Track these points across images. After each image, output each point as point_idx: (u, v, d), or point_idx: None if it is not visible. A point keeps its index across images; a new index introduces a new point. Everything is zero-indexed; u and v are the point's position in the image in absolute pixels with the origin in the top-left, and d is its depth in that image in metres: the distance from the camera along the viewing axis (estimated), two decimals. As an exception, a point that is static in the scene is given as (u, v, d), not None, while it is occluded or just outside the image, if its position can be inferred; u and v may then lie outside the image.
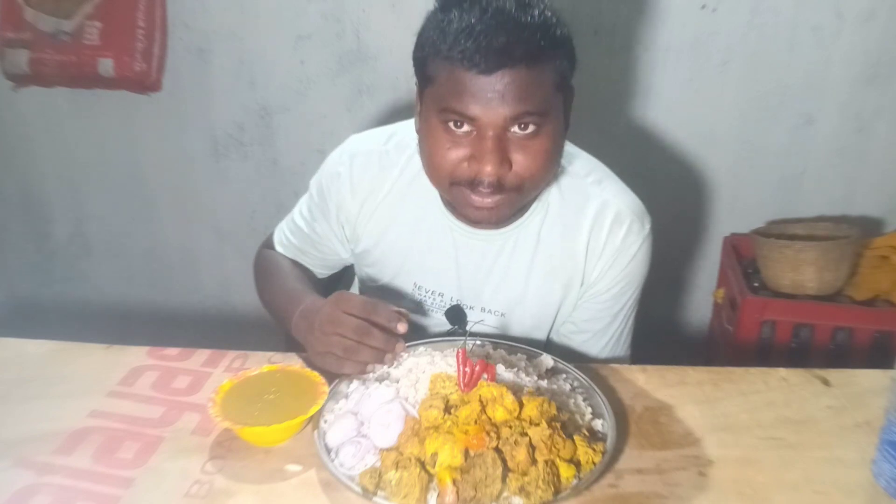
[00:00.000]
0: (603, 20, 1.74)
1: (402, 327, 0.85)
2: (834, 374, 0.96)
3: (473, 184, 0.88)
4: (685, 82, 1.81)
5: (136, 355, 0.97)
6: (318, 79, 1.90)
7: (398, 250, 1.06)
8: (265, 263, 1.16)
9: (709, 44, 1.77)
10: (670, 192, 1.90)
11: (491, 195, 0.88)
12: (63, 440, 0.80)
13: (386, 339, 0.84)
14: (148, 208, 2.14)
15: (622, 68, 1.79)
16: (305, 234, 1.13)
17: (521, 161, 0.86)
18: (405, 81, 1.86)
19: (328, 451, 0.75)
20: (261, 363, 0.92)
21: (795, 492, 0.75)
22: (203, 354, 0.97)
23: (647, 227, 1.03)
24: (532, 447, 0.72)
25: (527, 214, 1.01)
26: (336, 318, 0.85)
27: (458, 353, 0.80)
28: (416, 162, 1.00)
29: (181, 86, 1.95)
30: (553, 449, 0.72)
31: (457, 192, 0.91)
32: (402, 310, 0.87)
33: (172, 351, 0.98)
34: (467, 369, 0.79)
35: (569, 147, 1.02)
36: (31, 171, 2.14)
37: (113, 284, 2.27)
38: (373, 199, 1.04)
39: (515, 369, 0.85)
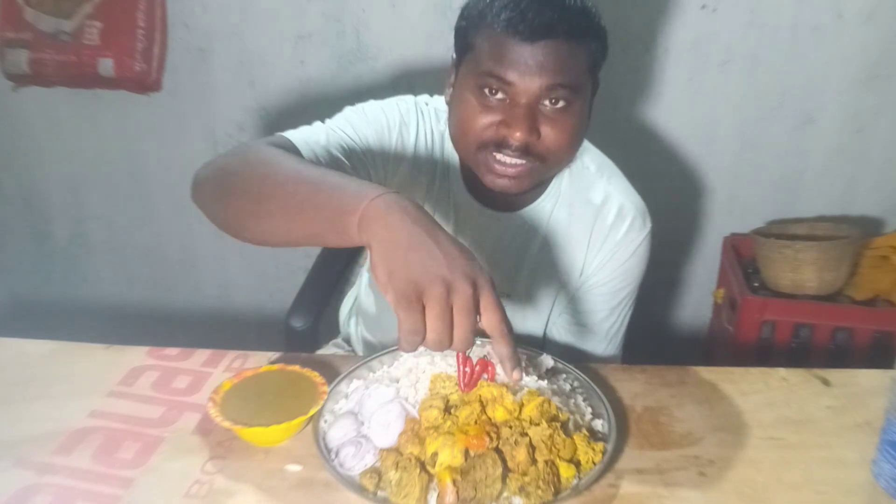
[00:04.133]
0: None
1: (517, 374, 0.69)
2: (834, 374, 0.96)
3: (501, 145, 0.89)
4: (685, 82, 1.81)
5: (136, 355, 0.96)
6: (318, 79, 1.90)
7: None
8: (259, 151, 0.82)
9: (709, 44, 1.77)
10: (670, 192, 1.90)
11: (516, 158, 0.90)
12: (63, 440, 0.80)
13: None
14: (148, 208, 2.13)
15: (622, 68, 1.79)
16: (349, 145, 0.97)
17: (548, 133, 0.89)
18: (405, 81, 1.86)
19: (328, 451, 0.75)
20: (261, 363, 0.92)
21: (795, 492, 0.75)
22: (203, 354, 0.97)
23: (649, 226, 1.05)
24: (532, 447, 0.72)
25: (538, 200, 1.03)
26: (464, 296, 0.61)
27: (458, 353, 0.80)
28: (447, 135, 1.01)
29: (181, 86, 1.95)
30: (553, 449, 0.72)
31: (482, 157, 0.92)
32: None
33: (172, 351, 0.98)
34: (467, 369, 0.79)
35: (585, 142, 1.05)
36: (31, 171, 2.14)
37: (113, 284, 2.27)
38: (420, 151, 1.03)
39: (515, 369, 0.85)
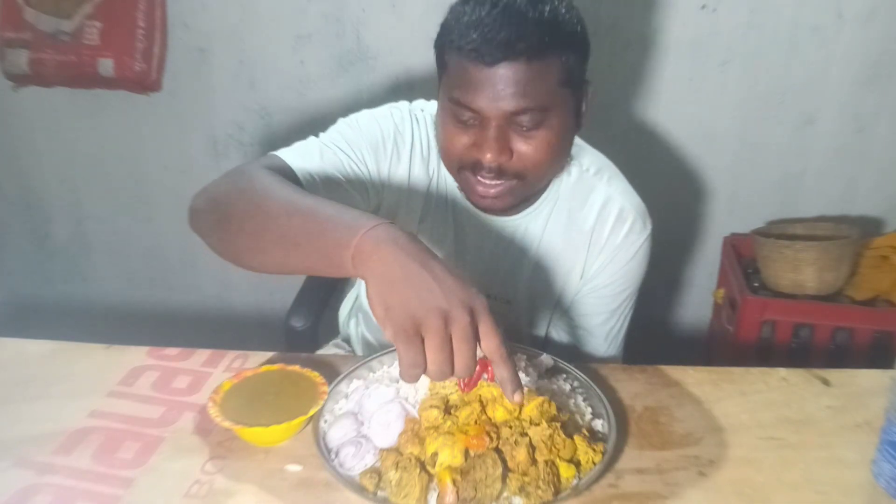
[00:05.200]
0: (602, 20, 1.74)
1: (517, 397, 0.68)
2: (834, 374, 0.96)
3: (476, 168, 0.90)
4: (685, 82, 1.81)
5: (136, 355, 0.97)
6: (318, 79, 1.90)
7: (424, 227, 1.05)
8: (260, 184, 0.81)
9: (709, 44, 1.76)
10: (670, 192, 1.90)
11: (493, 180, 0.90)
12: (63, 440, 0.80)
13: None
14: (148, 208, 2.13)
15: (622, 68, 1.79)
16: (340, 159, 0.96)
17: (522, 151, 0.88)
18: (405, 81, 1.86)
19: (328, 451, 0.75)
20: (261, 363, 0.92)
21: (795, 492, 0.75)
22: (203, 354, 0.97)
23: (649, 228, 1.05)
24: (532, 447, 0.72)
25: (536, 204, 1.03)
26: (462, 325, 0.62)
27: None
28: None
29: (181, 86, 1.95)
30: (553, 449, 0.72)
31: (464, 177, 0.93)
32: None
33: (172, 351, 0.98)
34: (467, 369, 0.79)
35: (581, 143, 1.05)
36: (31, 171, 2.14)
37: (113, 284, 2.27)
38: (416, 160, 1.02)
39: (515, 369, 0.85)
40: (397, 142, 1.00)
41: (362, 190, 0.98)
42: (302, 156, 0.93)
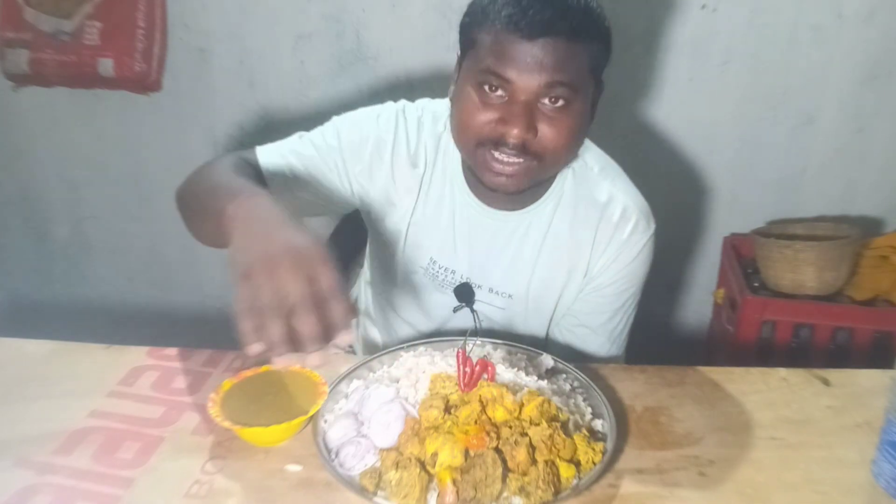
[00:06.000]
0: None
1: (346, 338, 0.68)
2: (834, 374, 0.96)
3: (498, 144, 0.90)
4: (685, 82, 1.81)
5: (136, 355, 0.97)
6: (318, 79, 1.90)
7: (418, 222, 1.06)
8: (210, 168, 0.94)
9: (709, 44, 1.77)
10: (670, 192, 1.90)
11: (513, 157, 0.90)
12: (63, 440, 0.80)
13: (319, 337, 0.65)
14: (148, 208, 2.14)
15: (622, 68, 1.79)
16: (313, 160, 1.03)
17: (546, 132, 0.90)
18: (405, 81, 1.86)
19: (328, 451, 0.75)
20: (261, 363, 0.92)
21: (795, 492, 0.75)
22: (203, 354, 0.97)
23: (652, 227, 1.05)
24: (532, 447, 0.72)
25: (541, 199, 1.03)
26: (287, 262, 0.65)
27: (458, 353, 0.80)
28: (446, 137, 1.03)
29: (181, 86, 1.95)
30: (553, 449, 0.72)
31: (480, 154, 0.93)
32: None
33: (172, 351, 0.98)
34: (467, 369, 0.79)
35: (586, 141, 1.06)
36: (31, 171, 2.14)
37: (113, 284, 2.27)
38: (400, 162, 1.04)
39: (515, 369, 0.85)
40: (378, 145, 1.03)
41: (334, 188, 1.04)
42: (275, 152, 1.03)
